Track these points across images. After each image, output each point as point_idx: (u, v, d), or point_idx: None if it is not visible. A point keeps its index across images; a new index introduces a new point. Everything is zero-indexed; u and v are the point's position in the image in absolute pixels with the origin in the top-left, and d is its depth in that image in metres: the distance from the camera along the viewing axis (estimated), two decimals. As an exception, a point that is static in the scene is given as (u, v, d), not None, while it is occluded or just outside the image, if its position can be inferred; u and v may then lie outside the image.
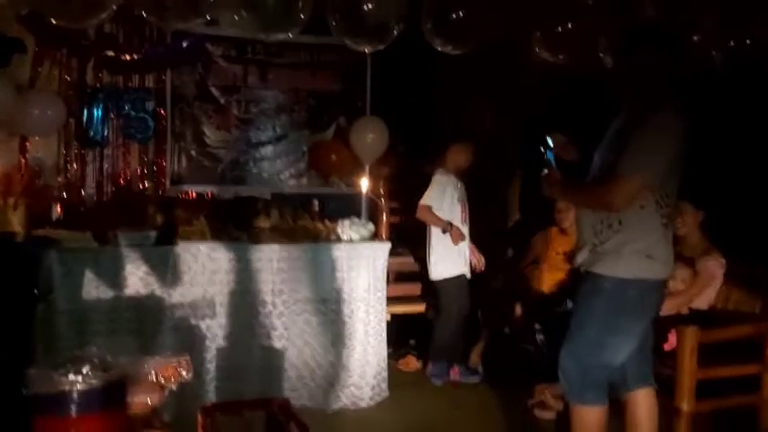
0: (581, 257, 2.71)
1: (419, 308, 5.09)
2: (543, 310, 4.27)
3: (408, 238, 5.34)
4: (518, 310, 4.44)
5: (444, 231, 4.55)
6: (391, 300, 4.97)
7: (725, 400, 3.30)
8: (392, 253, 5.15)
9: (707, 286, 3.70)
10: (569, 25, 3.62)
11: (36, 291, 3.30)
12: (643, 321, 2.68)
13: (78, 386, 1.97)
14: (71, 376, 1.97)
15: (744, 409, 3.35)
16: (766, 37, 3.45)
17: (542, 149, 2.81)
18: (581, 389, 2.72)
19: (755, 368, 3.34)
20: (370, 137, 5.57)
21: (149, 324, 3.54)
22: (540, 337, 4.19)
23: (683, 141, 2.55)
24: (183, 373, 2.33)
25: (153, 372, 2.26)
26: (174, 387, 2.30)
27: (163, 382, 2.27)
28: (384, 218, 5.01)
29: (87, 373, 2.00)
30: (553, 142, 2.81)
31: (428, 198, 4.59)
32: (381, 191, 5.67)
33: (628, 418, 2.81)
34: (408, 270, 5.30)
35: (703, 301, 3.73)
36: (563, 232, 4.59)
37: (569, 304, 4.01)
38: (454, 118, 5.96)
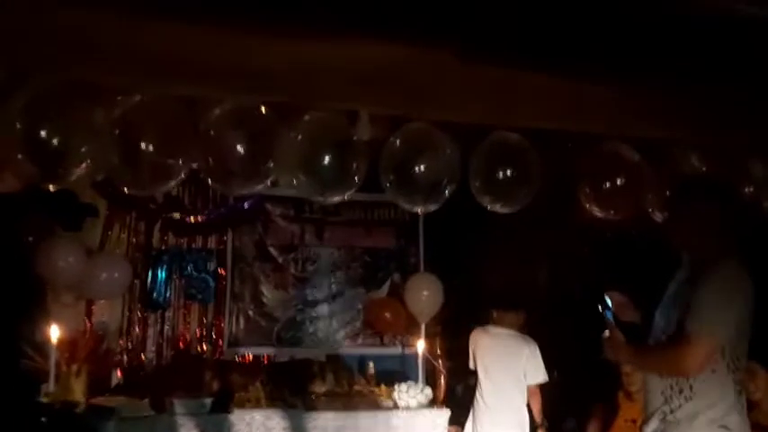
0: (650, 428, 2.53)
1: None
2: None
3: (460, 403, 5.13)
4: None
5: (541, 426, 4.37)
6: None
7: None
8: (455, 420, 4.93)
9: (792, 462, 3.40)
10: (618, 181, 3.62)
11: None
12: None
13: None
14: None
15: None
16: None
17: (601, 309, 2.70)
18: None
19: None
20: (424, 294, 5.55)
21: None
22: None
23: (751, 296, 2.45)
24: None
25: None
26: None
27: None
28: (442, 381, 4.91)
29: None
30: (612, 302, 2.72)
31: (539, 375, 4.39)
32: (438, 351, 5.58)
33: None
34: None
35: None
36: (629, 397, 4.35)
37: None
38: (508, 276, 5.92)
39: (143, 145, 3.03)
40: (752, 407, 3.64)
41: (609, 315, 2.67)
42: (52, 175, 3.05)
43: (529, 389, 4.34)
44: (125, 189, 3.48)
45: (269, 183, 3.46)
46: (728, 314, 2.38)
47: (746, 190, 3.57)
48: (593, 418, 4.38)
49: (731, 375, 2.42)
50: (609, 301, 2.70)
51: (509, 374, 4.36)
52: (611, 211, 3.84)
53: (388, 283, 6.10)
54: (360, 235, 6.14)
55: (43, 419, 3.34)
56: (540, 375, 4.35)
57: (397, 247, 6.23)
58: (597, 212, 3.87)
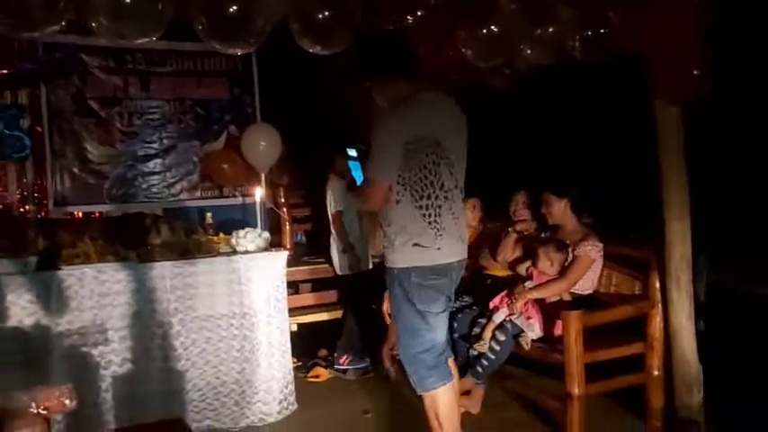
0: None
1: (333, 315, 5.11)
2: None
3: (319, 245, 5.32)
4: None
5: (344, 252, 4.85)
6: (302, 309, 5.00)
7: (614, 381, 3.45)
8: (300, 262, 5.17)
9: (585, 270, 3.76)
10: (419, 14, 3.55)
11: None
12: (440, 302, 2.81)
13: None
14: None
15: (634, 388, 3.49)
16: (622, 28, 3.57)
17: (347, 158, 3.01)
18: (420, 378, 2.82)
19: (640, 347, 3.52)
20: (262, 144, 5.49)
21: (36, 355, 3.35)
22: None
23: (425, 131, 2.68)
24: (67, 402, 2.22)
25: (33, 404, 2.15)
26: (58, 417, 2.18)
27: (45, 413, 2.17)
28: (287, 227, 4.97)
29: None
30: (357, 153, 3.00)
31: (337, 205, 4.75)
32: (282, 200, 5.62)
33: None
34: (319, 277, 5.32)
35: (586, 286, 3.82)
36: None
37: (466, 298, 4.10)
38: (341, 120, 5.95)
39: None
40: (556, 228, 4.07)
41: (352, 164, 3.00)
42: None
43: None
44: None
45: (60, 27, 3.10)
46: (387, 156, 2.66)
47: (552, 30, 3.66)
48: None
49: (415, 204, 2.71)
50: (352, 152, 3.05)
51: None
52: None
53: (224, 136, 5.96)
54: (190, 86, 5.88)
55: None
56: (335, 206, 4.82)
57: (232, 98, 6.06)
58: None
